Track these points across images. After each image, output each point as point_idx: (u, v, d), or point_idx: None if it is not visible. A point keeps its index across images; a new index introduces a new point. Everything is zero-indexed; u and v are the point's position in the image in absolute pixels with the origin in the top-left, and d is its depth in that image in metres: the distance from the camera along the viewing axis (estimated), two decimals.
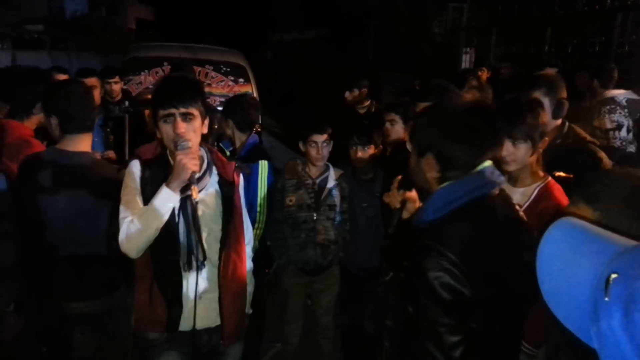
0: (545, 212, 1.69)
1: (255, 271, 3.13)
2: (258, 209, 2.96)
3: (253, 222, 2.96)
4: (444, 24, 10.81)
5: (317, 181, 3.00)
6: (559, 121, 2.38)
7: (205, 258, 1.94)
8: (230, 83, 5.60)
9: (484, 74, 5.20)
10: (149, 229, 1.81)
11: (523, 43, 8.24)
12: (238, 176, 2.11)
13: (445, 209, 1.42)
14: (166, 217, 1.83)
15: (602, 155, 2.28)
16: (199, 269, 1.94)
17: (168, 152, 1.94)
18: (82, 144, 2.21)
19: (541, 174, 2.04)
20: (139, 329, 2.04)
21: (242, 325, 2.17)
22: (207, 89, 5.40)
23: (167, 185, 1.82)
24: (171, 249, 1.90)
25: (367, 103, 4.48)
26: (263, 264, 3.18)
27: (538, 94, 2.27)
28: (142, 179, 1.89)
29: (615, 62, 4.59)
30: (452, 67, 9.07)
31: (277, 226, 3.05)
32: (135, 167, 1.91)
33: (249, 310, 2.29)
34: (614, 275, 0.68)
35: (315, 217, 2.97)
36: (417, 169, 1.55)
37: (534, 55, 7.35)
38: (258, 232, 2.96)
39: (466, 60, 9.20)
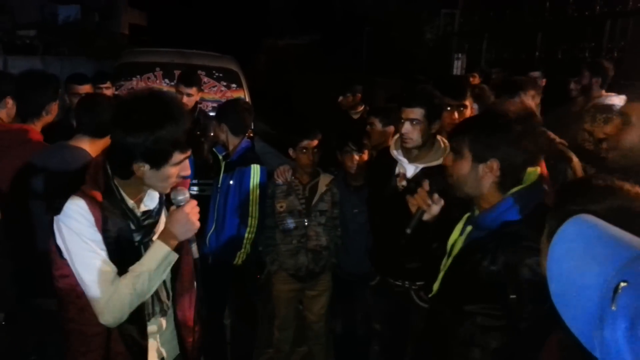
0: None
1: (247, 277, 3.15)
2: (250, 213, 2.96)
3: (245, 227, 2.96)
4: (436, 29, 10.89)
5: (308, 187, 3.01)
6: None
7: (169, 299, 1.73)
8: (223, 88, 5.59)
9: (476, 80, 5.22)
10: (148, 294, 1.58)
11: (514, 48, 8.31)
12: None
13: (528, 209, 1.53)
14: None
15: (571, 154, 2.33)
16: (164, 313, 1.73)
17: (116, 182, 1.58)
18: (88, 144, 2.33)
19: None
20: None
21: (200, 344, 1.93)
22: (199, 95, 5.40)
23: (167, 242, 1.58)
24: None
25: (361, 108, 4.49)
26: (255, 270, 3.19)
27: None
28: (103, 229, 1.51)
29: None
30: (445, 73, 9.12)
31: (268, 232, 3.04)
32: (85, 211, 1.50)
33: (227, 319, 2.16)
34: (623, 284, 0.64)
35: (306, 223, 2.97)
36: (470, 174, 1.60)
37: (525, 60, 7.41)
38: (250, 236, 2.96)
39: (458, 66, 9.25)
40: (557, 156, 2.36)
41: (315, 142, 2.93)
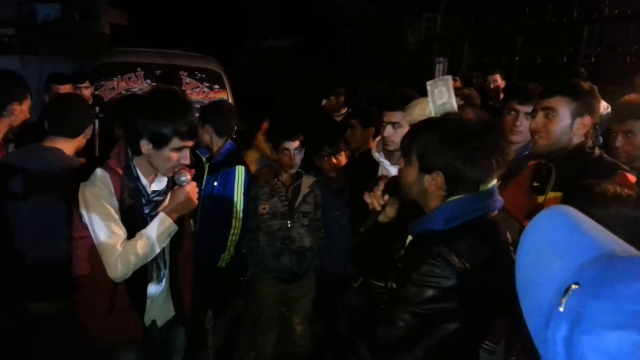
0: None
1: (231, 279, 3.13)
2: (234, 215, 2.94)
3: (229, 228, 2.95)
4: (418, 33, 10.95)
5: (290, 188, 3.01)
6: None
7: (166, 267, 2.05)
8: (206, 89, 5.56)
9: (457, 84, 5.28)
10: (149, 257, 1.87)
11: (494, 53, 8.40)
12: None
13: (457, 221, 1.42)
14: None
15: None
16: (160, 281, 2.04)
17: (135, 162, 1.91)
18: (62, 144, 2.35)
19: None
20: (90, 337, 1.98)
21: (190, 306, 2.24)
22: None
23: (169, 215, 1.89)
24: None
25: (344, 111, 4.52)
26: (237, 272, 3.17)
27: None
28: (120, 198, 1.83)
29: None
30: (426, 76, 9.18)
31: (251, 234, 3.04)
32: (107, 181, 1.83)
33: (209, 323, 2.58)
34: (574, 286, 0.62)
35: (289, 225, 2.97)
36: (416, 182, 1.50)
37: (505, 64, 7.51)
38: (234, 238, 2.94)
39: (439, 70, 9.34)
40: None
41: (297, 143, 2.93)
